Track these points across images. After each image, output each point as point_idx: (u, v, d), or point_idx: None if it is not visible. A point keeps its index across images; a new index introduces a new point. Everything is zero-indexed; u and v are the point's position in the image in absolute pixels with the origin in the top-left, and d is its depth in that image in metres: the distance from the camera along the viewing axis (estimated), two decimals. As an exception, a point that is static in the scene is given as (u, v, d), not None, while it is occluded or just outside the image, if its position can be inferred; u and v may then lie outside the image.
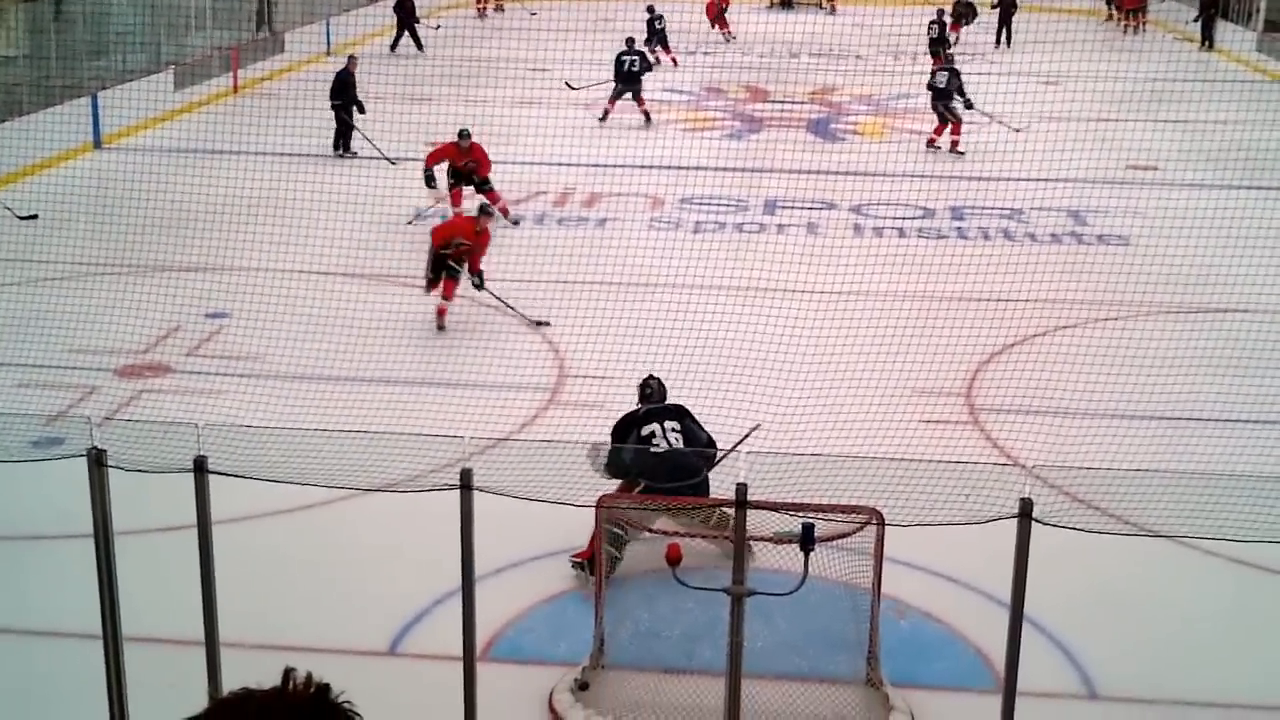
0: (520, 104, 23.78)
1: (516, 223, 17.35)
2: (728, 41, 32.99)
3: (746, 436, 8.82)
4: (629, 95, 23.52)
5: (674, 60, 30.41)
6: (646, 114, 23.73)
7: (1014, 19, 33.20)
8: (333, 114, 20.90)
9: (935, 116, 22.07)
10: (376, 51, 29.85)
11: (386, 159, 19.47)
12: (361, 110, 20.88)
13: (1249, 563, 8.56)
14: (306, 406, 10.85)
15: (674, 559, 6.45)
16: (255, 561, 8.54)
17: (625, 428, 8.92)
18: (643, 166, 20.28)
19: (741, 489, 6.83)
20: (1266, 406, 11.37)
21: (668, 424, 8.81)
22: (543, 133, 19.35)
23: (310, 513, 9.00)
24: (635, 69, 23.48)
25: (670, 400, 9.20)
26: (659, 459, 8.59)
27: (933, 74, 22.60)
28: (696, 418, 9.07)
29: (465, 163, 17.02)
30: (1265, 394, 11.55)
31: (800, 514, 7.52)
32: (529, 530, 8.62)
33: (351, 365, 11.98)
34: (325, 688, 2.15)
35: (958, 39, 32.22)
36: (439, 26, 32.95)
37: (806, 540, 6.42)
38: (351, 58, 21.55)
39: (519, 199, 18.36)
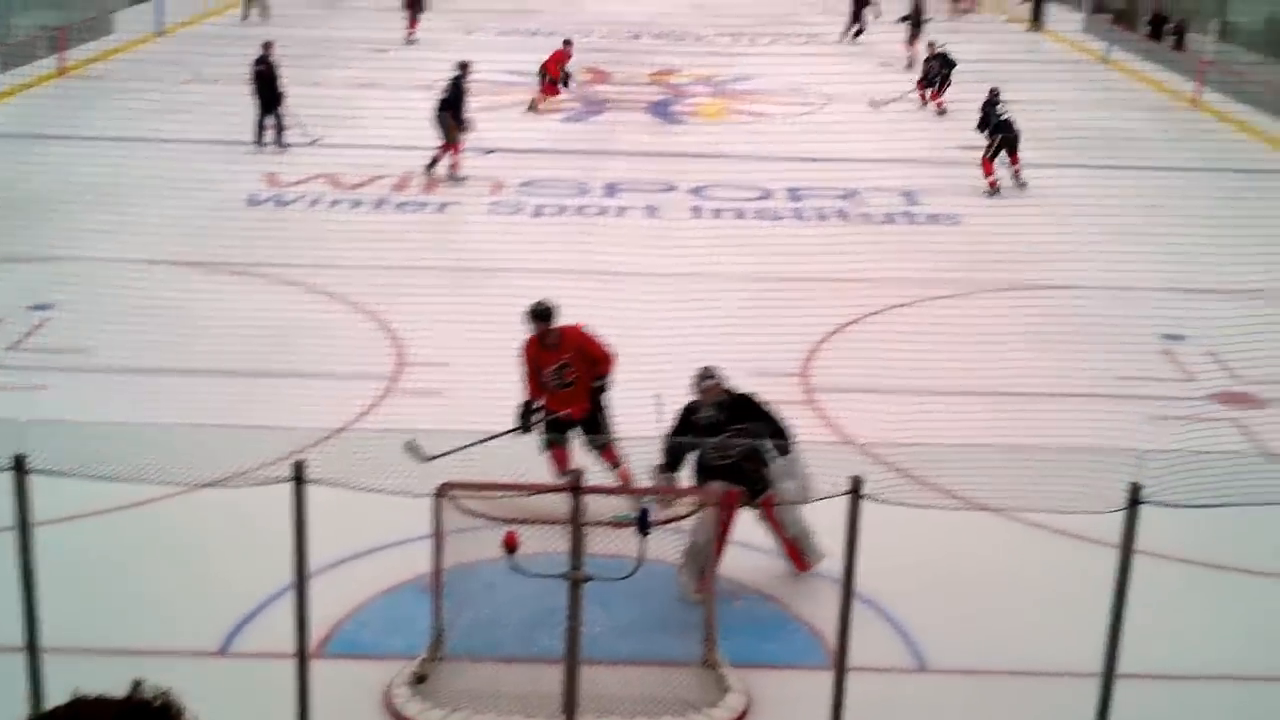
0: (361, 85, 23.47)
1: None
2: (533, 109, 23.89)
3: (661, 406, 8.60)
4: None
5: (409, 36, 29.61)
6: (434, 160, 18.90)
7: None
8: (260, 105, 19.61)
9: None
10: (212, 32, 29.22)
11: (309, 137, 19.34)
12: (280, 101, 19.64)
13: (1074, 534, 8.83)
14: (136, 401, 10.58)
15: (511, 546, 6.44)
16: (80, 563, 8.32)
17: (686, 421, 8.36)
18: (483, 150, 20.14)
19: (577, 474, 6.86)
20: (1093, 381, 11.76)
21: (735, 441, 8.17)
22: (383, 115, 19.15)
23: (139, 510, 8.78)
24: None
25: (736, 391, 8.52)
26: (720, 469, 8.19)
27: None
28: (764, 406, 8.47)
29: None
30: (1091, 369, 11.94)
31: (638, 497, 7.59)
32: (367, 522, 8.52)
33: (182, 357, 11.71)
34: (167, 697, 2.16)
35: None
36: None
37: (643, 524, 6.46)
38: (267, 43, 20.05)
39: (359, 183, 18.11)
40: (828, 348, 12.57)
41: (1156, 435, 10.68)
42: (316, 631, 7.07)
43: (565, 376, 9.17)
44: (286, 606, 6.96)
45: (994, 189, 18.41)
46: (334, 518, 7.73)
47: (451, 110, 18.60)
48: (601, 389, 9.31)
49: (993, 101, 19.03)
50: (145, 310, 12.41)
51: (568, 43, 24.64)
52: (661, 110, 24.24)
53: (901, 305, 13.73)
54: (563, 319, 9.27)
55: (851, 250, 15.01)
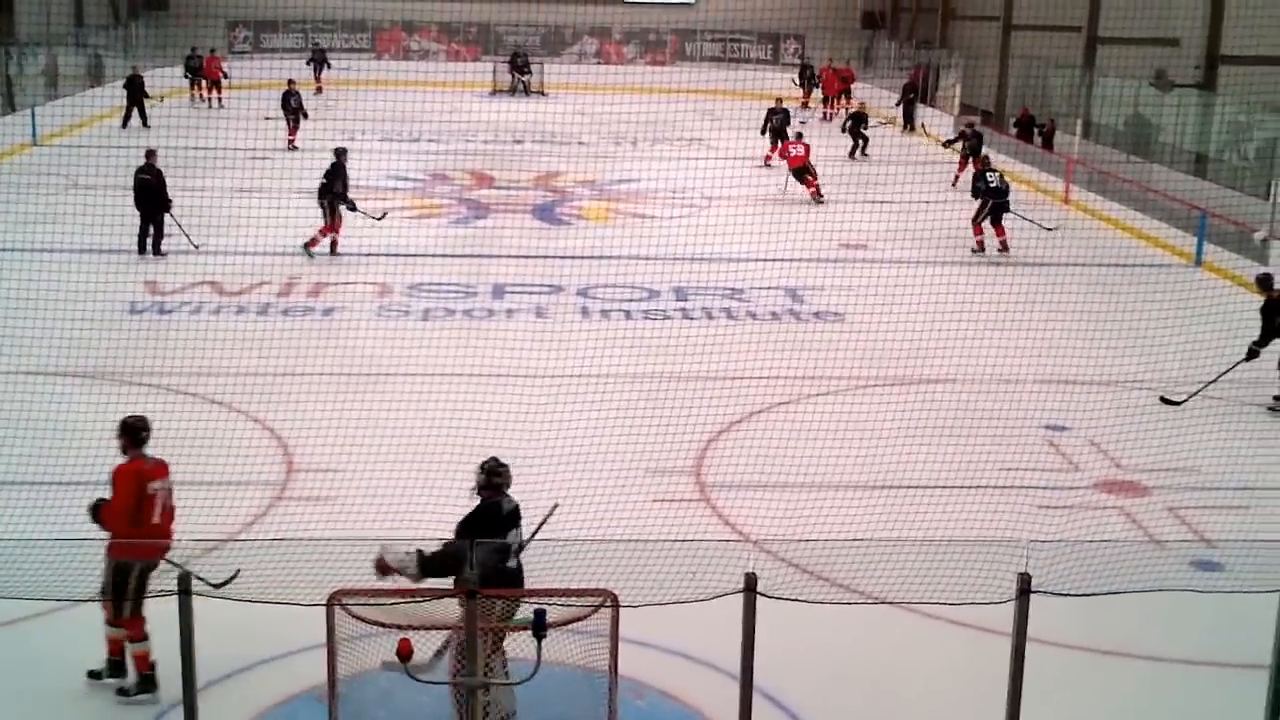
0: (239, 193, 23.30)
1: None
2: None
3: (547, 518, 8.43)
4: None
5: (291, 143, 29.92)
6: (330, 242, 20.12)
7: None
8: (141, 214, 19.60)
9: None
10: (87, 140, 28.88)
11: (192, 245, 19.45)
12: (167, 208, 19.69)
13: (968, 624, 8.90)
14: (12, 514, 10.25)
15: (405, 654, 6.32)
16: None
17: (489, 528, 7.74)
18: (369, 254, 20.09)
19: (469, 580, 6.77)
20: (979, 472, 11.92)
21: (512, 533, 7.85)
22: (264, 221, 19.00)
23: (13, 629, 8.47)
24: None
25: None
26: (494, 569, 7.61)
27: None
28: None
29: None
30: (972, 460, 12.12)
31: (533, 600, 7.49)
32: (257, 633, 8.31)
33: (58, 468, 11.37)
34: None
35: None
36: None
37: (539, 627, 6.39)
38: (151, 151, 20.00)
39: (240, 290, 17.92)
40: (719, 444, 12.63)
41: (1044, 524, 10.86)
42: (206, 749, 6.84)
43: None
44: (174, 724, 6.74)
45: (980, 249, 21.28)
46: (223, 630, 7.54)
47: (332, 193, 19.85)
48: None
49: (984, 170, 21.70)
50: (20, 423, 12.07)
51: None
52: (546, 213, 24.39)
53: (789, 402, 13.85)
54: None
55: (739, 348, 15.15)
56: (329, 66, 40.86)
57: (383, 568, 7.33)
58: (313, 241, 19.90)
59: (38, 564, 8.08)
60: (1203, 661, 9.05)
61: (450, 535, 7.77)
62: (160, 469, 8.42)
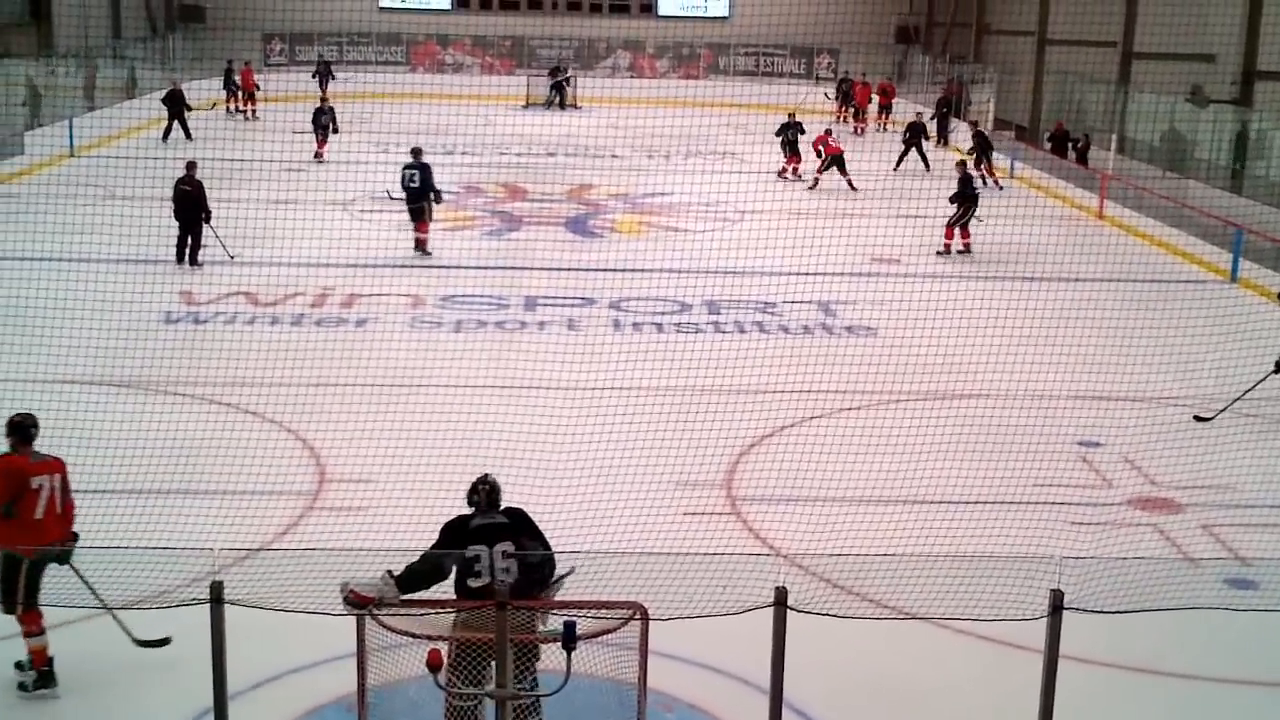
0: (274, 204, 23.43)
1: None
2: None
3: (562, 578, 7.70)
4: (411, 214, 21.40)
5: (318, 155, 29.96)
6: (421, 242, 21.26)
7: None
8: (180, 225, 19.94)
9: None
10: (124, 152, 29.13)
11: (228, 254, 19.73)
12: (207, 219, 20.00)
13: (999, 640, 8.86)
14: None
15: (434, 665, 6.35)
16: (-10, 690, 8.06)
17: (451, 540, 7.46)
18: (402, 266, 20.19)
19: (500, 591, 6.78)
20: (1007, 488, 11.86)
21: (499, 548, 7.37)
22: (298, 233, 19.14)
23: (50, 635, 8.52)
24: (414, 184, 21.06)
25: (506, 502, 7.71)
26: (473, 593, 7.28)
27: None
28: (535, 524, 7.69)
29: None
30: (1005, 475, 12.05)
31: (563, 612, 7.50)
32: (287, 642, 8.35)
33: (94, 477, 11.44)
34: None
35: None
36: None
37: (569, 638, 6.40)
38: (191, 163, 20.29)
39: (274, 300, 18.03)
40: (750, 458, 12.61)
41: (1077, 540, 10.80)
42: (236, 757, 6.87)
43: None
44: (205, 731, 6.77)
45: (947, 251, 22.12)
46: (254, 639, 7.57)
47: (434, 190, 21.27)
48: None
49: (968, 178, 22.75)
50: (57, 431, 12.13)
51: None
52: (579, 226, 24.44)
53: (821, 416, 13.82)
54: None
55: (770, 361, 15.13)
56: (334, 79, 41.02)
57: (358, 601, 6.91)
58: (423, 241, 21.22)
59: (72, 572, 8.16)
60: (1237, 680, 8.98)
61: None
62: (47, 465, 8.43)
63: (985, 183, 27.63)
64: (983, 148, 29.25)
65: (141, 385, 14.02)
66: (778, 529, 10.96)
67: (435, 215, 21.56)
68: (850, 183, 27.81)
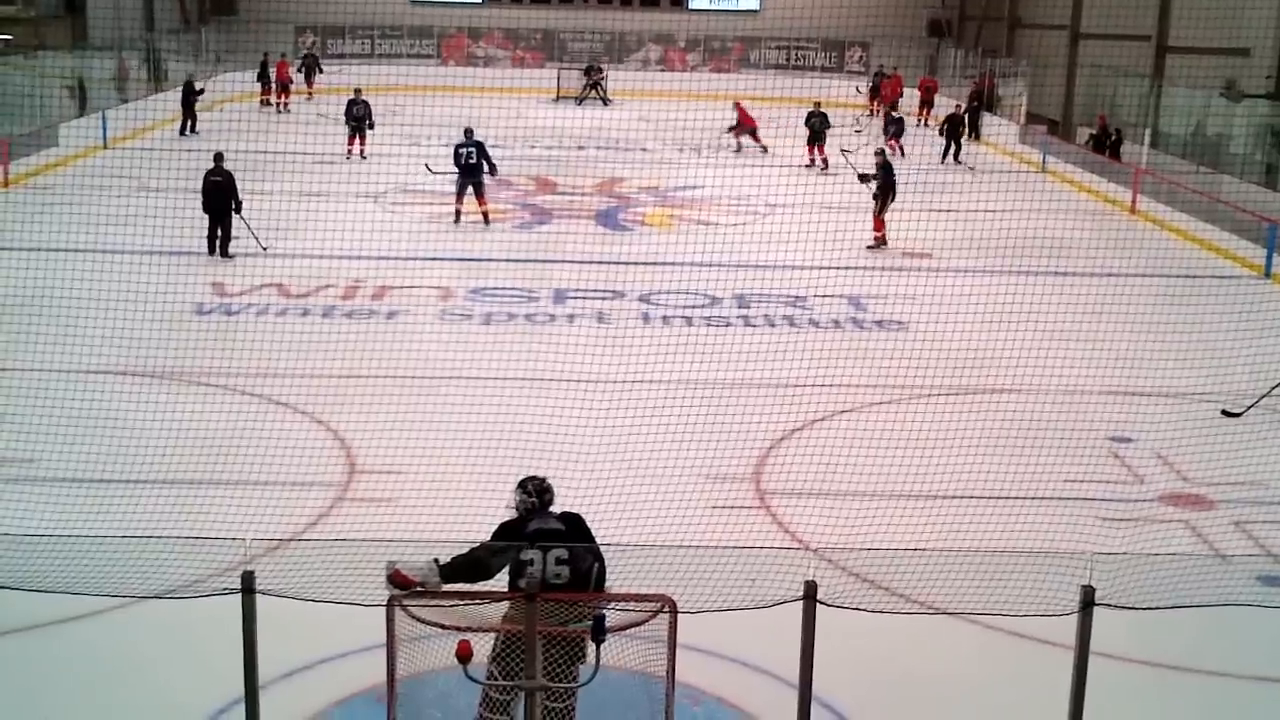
0: (305, 196, 23.53)
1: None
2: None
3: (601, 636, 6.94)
4: (471, 190, 22.85)
5: (361, 152, 29.74)
6: (485, 214, 22.89)
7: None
8: (210, 216, 19.96)
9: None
10: (155, 144, 29.30)
11: (260, 246, 19.83)
12: (238, 209, 20.01)
13: (1030, 636, 8.82)
14: (80, 512, 10.39)
15: (465, 656, 6.35)
16: (22, 679, 8.11)
17: (506, 541, 7.45)
18: (432, 258, 20.24)
19: (529, 580, 6.80)
20: (1037, 483, 11.81)
21: (552, 556, 7.35)
22: (329, 225, 19.21)
23: (82, 624, 8.59)
24: (472, 160, 22.69)
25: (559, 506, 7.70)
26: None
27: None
28: (590, 531, 7.71)
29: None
30: (1035, 471, 12.00)
31: (592, 604, 7.50)
32: (317, 632, 8.38)
33: (127, 467, 11.54)
34: None
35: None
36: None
37: (598, 631, 6.40)
38: (219, 154, 20.31)
39: (305, 292, 18.10)
40: (779, 452, 12.59)
41: (1108, 537, 10.75)
42: (266, 746, 6.90)
43: None
44: (235, 720, 6.81)
45: (884, 243, 21.90)
46: (284, 629, 7.60)
47: (491, 165, 22.89)
48: None
49: (888, 165, 22.59)
50: (89, 421, 12.24)
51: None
52: (608, 219, 24.44)
53: (850, 410, 13.79)
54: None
55: (800, 355, 15.10)
56: (321, 71, 41.12)
57: (401, 581, 7.05)
58: (486, 213, 22.74)
59: (104, 561, 8.20)
60: (1269, 678, 8.92)
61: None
62: None
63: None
64: (898, 133, 31.36)
65: (173, 376, 14.11)
66: (806, 523, 10.95)
67: (477, 202, 22.81)
68: (762, 146, 31.58)
